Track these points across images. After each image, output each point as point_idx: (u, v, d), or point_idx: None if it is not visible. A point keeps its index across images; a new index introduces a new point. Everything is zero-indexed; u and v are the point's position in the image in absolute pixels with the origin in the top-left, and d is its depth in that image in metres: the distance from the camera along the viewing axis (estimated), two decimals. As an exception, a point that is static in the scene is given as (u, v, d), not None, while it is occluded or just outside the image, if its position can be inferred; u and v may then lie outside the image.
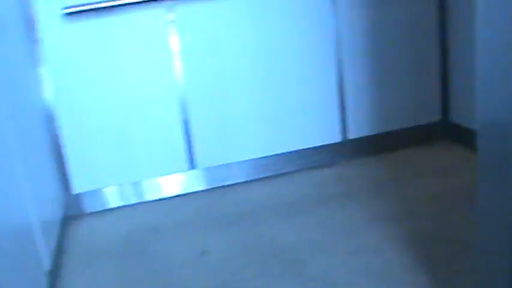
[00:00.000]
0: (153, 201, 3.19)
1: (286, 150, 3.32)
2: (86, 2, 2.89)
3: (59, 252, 2.65)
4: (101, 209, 3.15)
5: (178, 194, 3.23)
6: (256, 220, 2.80)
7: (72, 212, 3.11)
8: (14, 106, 2.30)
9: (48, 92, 2.96)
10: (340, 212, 2.76)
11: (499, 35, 1.36)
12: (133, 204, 3.17)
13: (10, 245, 1.80)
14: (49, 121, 2.99)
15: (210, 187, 3.27)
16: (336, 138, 3.39)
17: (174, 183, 3.21)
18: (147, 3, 2.98)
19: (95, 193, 3.13)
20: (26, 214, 2.15)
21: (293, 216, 2.79)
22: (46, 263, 2.31)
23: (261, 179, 3.31)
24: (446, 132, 3.53)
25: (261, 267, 2.35)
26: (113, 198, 3.16)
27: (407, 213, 2.64)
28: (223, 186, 3.27)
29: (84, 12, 2.91)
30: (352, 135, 3.40)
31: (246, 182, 3.30)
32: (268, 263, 2.37)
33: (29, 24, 2.87)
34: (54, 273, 2.41)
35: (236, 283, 2.25)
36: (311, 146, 3.35)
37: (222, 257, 2.48)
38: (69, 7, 2.86)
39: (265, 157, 3.30)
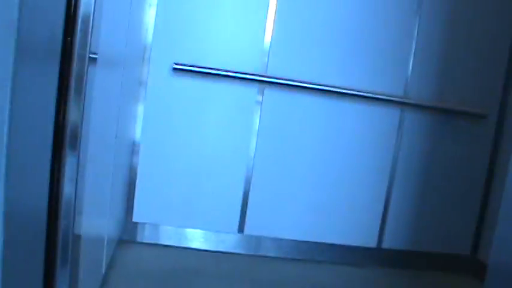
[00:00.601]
0: (199, 249, 3.56)
1: (324, 241, 3.67)
2: (194, 63, 3.37)
3: (109, 267, 3.03)
4: (152, 242, 3.54)
5: (222, 250, 3.59)
6: (283, 293, 3.14)
7: (127, 237, 3.51)
8: (116, 135, 2.74)
9: (139, 129, 3.42)
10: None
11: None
12: (181, 247, 3.55)
13: (87, 249, 2.19)
14: (133, 153, 3.44)
15: (250, 253, 3.62)
16: (372, 243, 3.72)
17: (221, 240, 3.58)
18: (244, 80, 3.45)
19: (151, 226, 3.53)
20: (102, 227, 2.55)
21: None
22: (102, 271, 2.70)
23: (295, 259, 3.65)
24: (474, 268, 3.82)
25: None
26: (164, 236, 3.54)
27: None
28: (262, 256, 3.62)
29: (190, 72, 3.38)
30: (386, 244, 3.73)
31: (282, 258, 3.64)
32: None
33: (141, 68, 3.37)
34: (104, 281, 2.80)
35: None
36: (347, 243, 3.69)
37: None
38: (179, 64, 3.34)
39: (305, 242, 3.65)
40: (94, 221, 2.20)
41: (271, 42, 3.46)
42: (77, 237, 1.75)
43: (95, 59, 1.69)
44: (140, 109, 3.42)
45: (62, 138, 1.52)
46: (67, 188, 1.54)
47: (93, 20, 1.52)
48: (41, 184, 1.41)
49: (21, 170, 1.19)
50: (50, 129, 1.43)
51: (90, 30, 1.51)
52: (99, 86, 1.89)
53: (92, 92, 1.72)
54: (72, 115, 1.51)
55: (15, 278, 1.24)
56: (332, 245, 3.68)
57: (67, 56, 1.47)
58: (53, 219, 1.55)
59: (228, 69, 3.42)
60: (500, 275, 1.87)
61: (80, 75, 1.50)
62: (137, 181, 3.48)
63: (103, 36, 1.84)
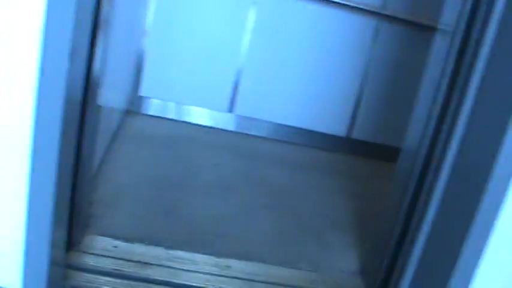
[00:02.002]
0: (194, 124, 4.18)
1: (302, 127, 4.28)
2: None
3: (118, 129, 3.66)
4: (155, 115, 4.15)
5: (213, 126, 4.21)
6: (262, 163, 3.79)
7: (133, 109, 4.12)
8: (130, 20, 3.30)
9: (150, 16, 3.97)
10: (318, 175, 3.75)
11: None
12: (179, 121, 4.16)
13: (104, 116, 2.78)
14: (144, 35, 4.00)
15: (237, 130, 4.25)
16: (342, 133, 4.34)
17: (213, 117, 4.20)
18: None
19: (155, 101, 4.13)
20: (115, 99, 3.16)
21: (287, 168, 3.78)
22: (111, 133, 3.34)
23: (275, 139, 4.27)
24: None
25: (252, 182, 3.38)
26: (166, 109, 4.15)
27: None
28: (246, 134, 4.25)
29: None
30: (355, 135, 4.35)
31: (264, 137, 4.26)
32: (256, 182, 3.40)
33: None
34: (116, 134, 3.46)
35: (232, 188, 3.26)
36: (322, 130, 4.31)
37: (227, 171, 3.51)
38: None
39: (285, 125, 4.27)
40: (110, 93, 2.78)
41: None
42: (99, 107, 2.33)
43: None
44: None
45: (97, 26, 2.05)
46: (97, 66, 2.10)
47: None
48: (82, 62, 1.96)
49: (75, 50, 1.74)
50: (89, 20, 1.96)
51: None
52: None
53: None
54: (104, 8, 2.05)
55: (52, 132, 1.79)
56: (308, 131, 4.29)
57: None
58: (88, 90, 2.10)
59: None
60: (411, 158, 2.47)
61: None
62: (145, 61, 4.05)
63: None
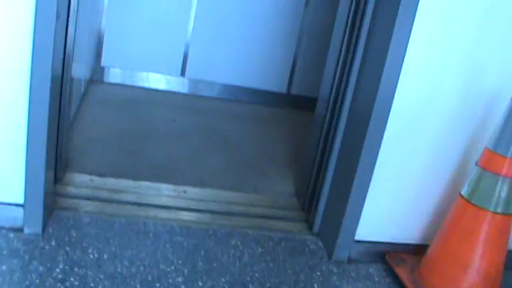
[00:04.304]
0: (150, 88, 4.73)
1: (247, 86, 4.87)
2: None
3: (85, 95, 4.18)
4: (116, 82, 4.68)
5: (167, 89, 4.76)
6: (212, 117, 4.37)
7: (96, 78, 4.64)
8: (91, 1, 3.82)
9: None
10: (261, 126, 4.34)
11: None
12: (138, 86, 4.71)
13: (74, 87, 3.31)
14: (102, 12, 4.52)
15: (189, 93, 4.81)
16: (283, 89, 4.94)
17: (167, 81, 4.75)
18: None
19: (115, 70, 4.66)
20: (81, 70, 3.67)
21: (235, 121, 4.36)
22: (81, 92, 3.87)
23: (224, 98, 4.84)
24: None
25: (204, 132, 3.96)
26: (125, 77, 4.69)
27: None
28: (199, 95, 4.81)
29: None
30: (293, 91, 4.95)
31: (215, 97, 4.83)
32: (208, 132, 3.98)
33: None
34: (83, 99, 3.98)
35: (187, 137, 3.83)
36: (264, 88, 4.90)
37: (182, 123, 4.08)
38: None
39: (233, 85, 4.85)
40: (77, 66, 3.30)
41: None
42: (72, 79, 2.89)
43: None
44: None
45: (70, 11, 2.58)
46: (69, 46, 2.64)
47: None
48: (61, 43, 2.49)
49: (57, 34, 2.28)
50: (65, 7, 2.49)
51: None
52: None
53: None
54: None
55: (43, 98, 2.34)
56: (252, 89, 4.89)
57: None
58: (64, 65, 2.64)
59: None
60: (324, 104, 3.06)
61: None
62: (105, 36, 4.57)
63: None
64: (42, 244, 2.37)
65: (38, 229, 2.44)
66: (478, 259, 2.47)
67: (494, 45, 2.58)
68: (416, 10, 2.43)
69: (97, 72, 4.65)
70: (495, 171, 2.38)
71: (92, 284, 2.19)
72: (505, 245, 2.51)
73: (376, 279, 2.69)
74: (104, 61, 4.65)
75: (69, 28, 2.56)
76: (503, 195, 2.38)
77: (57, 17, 2.22)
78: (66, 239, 2.44)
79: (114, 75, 4.68)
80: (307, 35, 4.85)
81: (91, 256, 2.36)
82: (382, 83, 2.51)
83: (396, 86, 2.52)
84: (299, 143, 4.02)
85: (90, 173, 3.03)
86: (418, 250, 2.79)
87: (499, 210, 2.40)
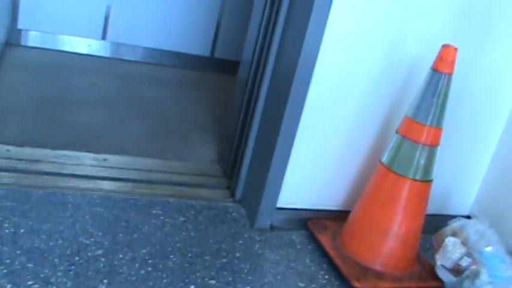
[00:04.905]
0: (70, 52, 4.60)
1: (170, 49, 4.80)
2: None
3: (0, 60, 4.04)
4: (33, 46, 4.53)
5: (88, 53, 4.65)
6: (134, 82, 4.31)
7: (13, 41, 4.49)
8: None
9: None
10: (184, 90, 4.32)
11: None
12: (56, 50, 4.56)
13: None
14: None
15: (111, 56, 4.71)
16: (207, 53, 4.91)
17: (88, 44, 4.63)
18: None
19: (32, 32, 4.51)
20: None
21: (157, 86, 4.32)
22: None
23: (147, 63, 4.77)
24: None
25: (126, 98, 3.94)
26: (43, 40, 4.54)
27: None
28: (121, 59, 4.72)
29: None
30: (217, 54, 4.92)
31: (137, 61, 4.75)
32: (129, 98, 3.95)
33: None
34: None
35: (109, 101, 3.79)
36: (188, 52, 4.85)
37: (103, 89, 4.03)
38: None
39: (155, 49, 4.77)
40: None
41: None
42: None
43: None
44: None
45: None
46: None
47: None
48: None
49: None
50: None
51: None
52: None
53: None
54: None
55: None
56: (175, 53, 4.82)
57: None
58: None
59: None
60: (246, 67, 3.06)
61: None
62: (20, -4, 4.43)
63: None
64: (-47, 219, 2.32)
65: (-50, 203, 2.38)
66: (398, 225, 2.56)
67: (414, 13, 2.63)
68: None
69: (13, 35, 4.48)
70: (414, 139, 2.45)
71: (8, 261, 2.15)
72: (424, 211, 2.61)
73: (299, 246, 2.75)
74: (21, 23, 4.49)
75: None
76: (422, 162, 2.47)
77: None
78: (-20, 214, 2.39)
79: (32, 38, 4.53)
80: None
81: (6, 231, 2.31)
82: (304, 48, 2.53)
83: (318, 52, 2.55)
84: (222, 108, 4.01)
85: (7, 143, 2.95)
86: (340, 216, 2.84)
87: (418, 177, 2.48)
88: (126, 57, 4.74)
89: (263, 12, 2.88)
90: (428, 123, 2.43)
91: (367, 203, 2.65)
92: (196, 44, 4.87)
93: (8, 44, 4.39)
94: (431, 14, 2.67)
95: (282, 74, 2.73)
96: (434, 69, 2.41)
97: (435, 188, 2.59)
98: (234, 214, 2.87)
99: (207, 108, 4.09)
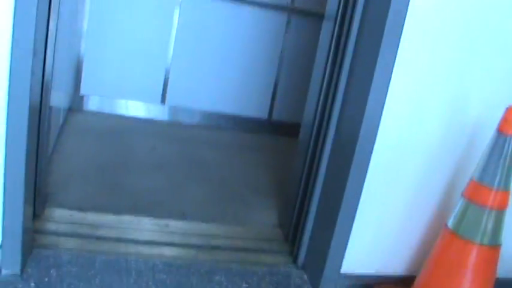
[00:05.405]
0: (130, 116, 4.67)
1: (228, 112, 4.84)
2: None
3: (64, 125, 4.12)
4: (95, 110, 4.62)
5: (148, 117, 4.71)
6: (193, 145, 4.33)
7: (75, 106, 4.58)
8: (71, 26, 3.77)
9: (86, 21, 4.44)
10: (243, 153, 4.31)
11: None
12: (118, 114, 4.64)
13: (53, 115, 3.26)
14: (82, 38, 4.47)
15: (169, 120, 4.76)
16: (264, 116, 4.91)
17: (148, 109, 4.70)
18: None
19: (94, 98, 4.60)
20: (60, 99, 3.62)
21: (216, 149, 4.32)
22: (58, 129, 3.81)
23: (204, 125, 4.80)
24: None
25: (185, 161, 3.92)
26: (105, 105, 4.63)
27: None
28: (179, 122, 4.76)
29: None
30: (275, 117, 4.93)
31: (195, 124, 4.79)
32: (189, 161, 3.94)
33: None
34: (62, 129, 3.93)
35: (168, 167, 3.79)
36: (245, 115, 4.87)
37: (163, 153, 4.04)
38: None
39: (213, 112, 4.81)
40: (56, 95, 3.25)
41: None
42: (50, 107, 2.83)
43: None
44: (87, 7, 4.42)
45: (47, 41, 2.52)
46: (48, 76, 2.58)
47: None
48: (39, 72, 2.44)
49: (35, 64, 2.23)
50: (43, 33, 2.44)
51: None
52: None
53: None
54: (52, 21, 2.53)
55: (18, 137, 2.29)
56: (233, 116, 4.85)
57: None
58: (42, 94, 2.58)
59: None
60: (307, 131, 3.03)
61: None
62: (83, 64, 4.52)
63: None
64: (21, 286, 2.31)
65: (17, 269, 2.37)
66: (466, 291, 2.45)
67: (477, 74, 2.58)
68: (400, 37, 2.42)
69: (76, 100, 4.58)
70: (481, 202, 2.36)
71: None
72: (492, 276, 2.48)
73: (364, 312, 2.67)
74: (83, 89, 4.59)
75: (47, 58, 2.50)
76: (489, 226, 2.36)
77: (34, 54, 2.17)
78: (46, 279, 2.38)
79: (93, 103, 4.62)
80: (288, 60, 4.85)
81: (72, 298, 2.30)
82: (367, 111, 2.49)
83: (381, 115, 2.51)
84: (282, 171, 3.98)
85: (70, 208, 2.97)
86: (405, 282, 2.76)
87: (485, 242, 2.37)
88: (184, 121, 4.78)
89: (323, 74, 2.86)
90: (495, 186, 2.33)
91: (433, 270, 2.54)
92: (253, 107, 4.90)
93: (70, 109, 4.49)
94: (494, 75, 2.60)
95: (344, 137, 2.69)
96: (500, 131, 2.32)
97: (504, 251, 2.47)
98: (297, 280, 2.80)
99: (266, 171, 4.07)
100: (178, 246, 2.88)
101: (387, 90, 2.48)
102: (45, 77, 2.53)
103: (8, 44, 2.12)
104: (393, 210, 2.74)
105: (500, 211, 2.37)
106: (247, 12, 4.66)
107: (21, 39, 2.13)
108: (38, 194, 2.73)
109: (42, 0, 2.22)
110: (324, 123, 2.83)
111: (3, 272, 2.34)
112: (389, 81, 2.47)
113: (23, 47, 2.14)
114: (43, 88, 2.53)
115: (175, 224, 3.06)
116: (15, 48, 2.13)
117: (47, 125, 2.75)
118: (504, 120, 2.32)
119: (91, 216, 2.94)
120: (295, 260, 2.96)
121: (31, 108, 2.25)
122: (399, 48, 2.43)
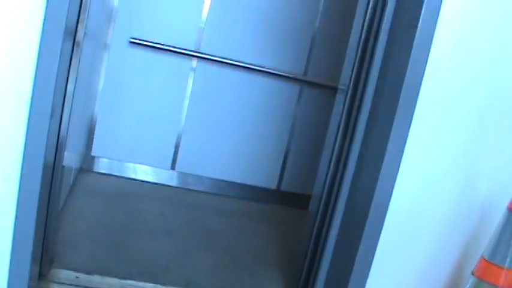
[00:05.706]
0: (139, 180, 4.67)
1: (236, 181, 4.84)
2: (147, 39, 4.44)
3: (74, 185, 4.13)
4: (106, 172, 4.63)
5: (157, 182, 4.72)
6: (201, 212, 4.32)
7: (86, 167, 4.60)
8: (86, 88, 3.82)
9: (101, 83, 4.51)
10: (250, 222, 4.29)
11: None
12: (127, 177, 4.66)
13: (64, 175, 3.28)
14: (96, 100, 4.52)
15: (180, 186, 4.76)
16: (273, 185, 4.91)
17: (157, 174, 4.71)
18: (181, 54, 4.54)
19: (105, 160, 4.62)
20: (72, 159, 3.64)
21: (223, 217, 4.31)
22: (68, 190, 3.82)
23: (213, 193, 4.79)
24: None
25: (193, 228, 3.91)
26: (115, 167, 4.64)
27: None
28: (188, 189, 4.76)
29: (142, 45, 4.46)
30: (284, 187, 4.92)
31: (204, 191, 4.78)
32: (196, 228, 3.93)
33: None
34: (71, 189, 3.93)
35: (176, 231, 3.77)
36: (254, 184, 4.87)
37: (171, 219, 4.02)
38: (135, 38, 4.42)
39: (222, 180, 4.81)
40: (68, 154, 3.28)
41: (205, 23, 4.57)
42: (63, 167, 2.86)
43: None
44: (103, 68, 4.50)
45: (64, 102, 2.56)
46: (63, 136, 2.62)
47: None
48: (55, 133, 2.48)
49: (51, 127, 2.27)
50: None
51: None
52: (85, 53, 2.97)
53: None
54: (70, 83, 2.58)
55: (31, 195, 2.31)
56: (242, 185, 4.85)
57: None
58: (56, 155, 2.62)
59: (170, 44, 4.50)
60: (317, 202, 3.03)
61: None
62: (96, 125, 4.57)
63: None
64: None
65: (20, 330, 2.34)
66: None
67: (488, 151, 2.60)
68: (414, 110, 2.45)
69: (87, 161, 4.61)
70: (492, 282, 2.33)
71: None
72: None
73: None
74: (94, 150, 4.62)
75: (63, 118, 2.54)
76: (501, 305, 2.34)
77: (51, 116, 2.20)
78: None
79: (104, 164, 4.64)
80: (299, 131, 4.88)
81: None
82: (378, 184, 2.50)
83: (393, 188, 2.52)
84: (289, 242, 3.96)
85: (76, 270, 2.95)
86: None
87: (497, 321, 2.34)
88: (193, 187, 4.78)
89: (334, 146, 2.88)
90: (506, 265, 2.31)
91: None
92: (262, 177, 4.90)
93: (81, 169, 4.51)
94: (505, 153, 2.62)
95: (355, 210, 2.69)
96: (511, 210, 2.33)
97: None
98: None
99: (274, 241, 4.04)
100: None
101: (400, 162, 2.50)
102: (60, 137, 2.56)
103: (27, 105, 2.16)
104: (402, 286, 2.70)
105: (512, 291, 2.34)
106: (260, 81, 4.72)
107: (40, 102, 2.17)
108: (45, 253, 2.73)
109: (63, 63, 2.27)
110: (334, 194, 2.83)
111: (6, 332, 2.31)
112: (402, 153, 2.49)
113: (41, 109, 2.18)
114: (57, 148, 2.56)
115: (180, 292, 3.03)
116: (33, 110, 2.17)
117: (58, 184, 2.76)
118: (515, 199, 2.33)
119: (96, 279, 2.92)
120: (301, 334, 2.92)
121: (44, 168, 2.27)
122: (412, 124, 2.46)
